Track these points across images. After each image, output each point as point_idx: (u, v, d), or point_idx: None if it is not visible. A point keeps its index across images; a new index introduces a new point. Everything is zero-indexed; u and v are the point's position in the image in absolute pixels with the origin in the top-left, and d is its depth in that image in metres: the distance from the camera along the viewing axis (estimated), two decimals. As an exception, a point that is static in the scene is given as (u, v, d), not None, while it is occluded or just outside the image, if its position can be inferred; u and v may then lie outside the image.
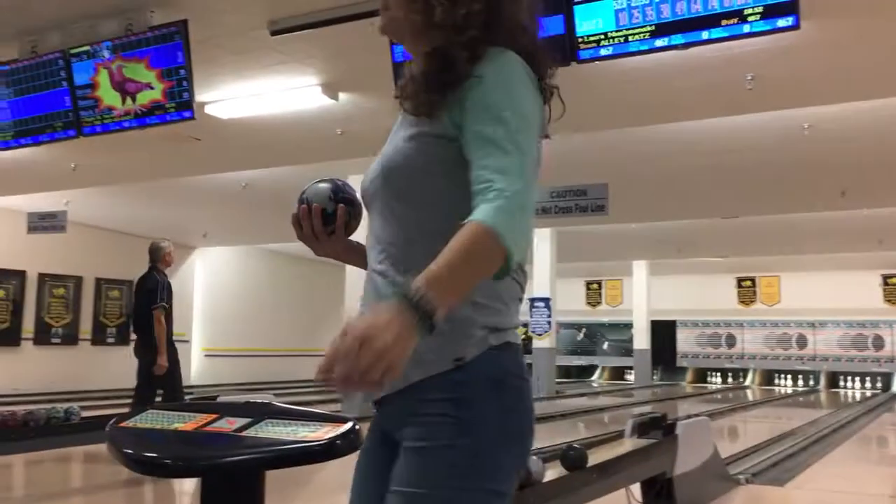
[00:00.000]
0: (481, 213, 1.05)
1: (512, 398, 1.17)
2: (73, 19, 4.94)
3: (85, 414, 5.17)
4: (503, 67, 1.17)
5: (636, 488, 3.80)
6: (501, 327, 1.19)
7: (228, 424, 1.72)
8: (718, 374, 19.34)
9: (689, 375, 19.51)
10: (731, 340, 19.03)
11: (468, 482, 1.10)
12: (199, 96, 5.37)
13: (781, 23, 3.33)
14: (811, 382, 18.11)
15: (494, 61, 1.17)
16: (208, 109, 6.14)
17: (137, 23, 4.78)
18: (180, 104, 4.82)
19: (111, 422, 1.80)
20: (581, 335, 20.73)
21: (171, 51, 4.68)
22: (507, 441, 1.15)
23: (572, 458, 3.10)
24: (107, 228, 13.52)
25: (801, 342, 18.22)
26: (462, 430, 1.11)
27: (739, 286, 18.76)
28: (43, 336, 13.00)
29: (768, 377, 18.67)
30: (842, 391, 17.38)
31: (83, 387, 11.09)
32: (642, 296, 18.30)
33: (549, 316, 14.23)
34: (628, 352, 19.11)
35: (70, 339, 13.09)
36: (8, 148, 5.68)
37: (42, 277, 13.08)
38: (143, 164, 8.36)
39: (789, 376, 18.49)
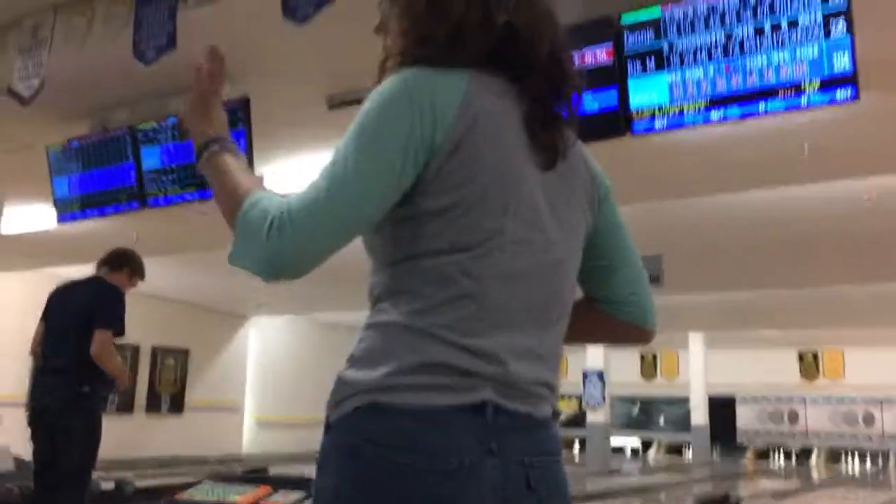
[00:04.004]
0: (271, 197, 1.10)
1: (365, 469, 1.00)
2: (140, 97, 5.15)
3: (139, 484, 5.17)
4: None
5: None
6: (375, 386, 1.03)
7: (283, 498, 1.71)
8: (781, 452, 18.61)
9: (749, 453, 18.81)
10: (793, 417, 18.36)
11: None
12: (258, 168, 5.50)
13: (840, 94, 3.29)
14: (880, 462, 17.31)
15: None
16: (267, 182, 6.28)
17: (201, 100, 4.95)
18: (240, 177, 4.94)
19: (167, 496, 1.79)
20: (636, 409, 20.23)
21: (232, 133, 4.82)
22: None
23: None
24: (163, 297, 13.79)
25: (869, 420, 17.48)
26: (314, 500, 1.04)
27: (801, 360, 18.18)
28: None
29: (834, 456, 17.89)
30: (913, 472, 16.57)
31: (135, 455, 11.15)
32: (699, 369, 17.82)
33: (603, 389, 13.95)
34: (685, 427, 18.54)
35: (125, 407, 13.24)
36: (75, 219, 5.87)
37: (101, 345, 13.33)
38: (203, 235, 8.53)
39: (857, 455, 17.70)
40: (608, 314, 1.27)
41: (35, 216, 7.67)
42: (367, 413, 1.02)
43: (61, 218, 5.89)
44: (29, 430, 4.04)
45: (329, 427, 1.07)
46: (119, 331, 4.17)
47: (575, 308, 1.20)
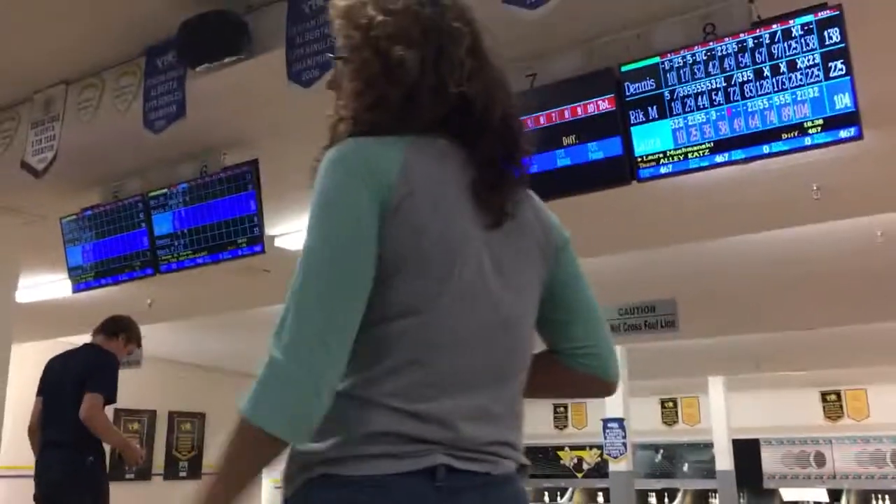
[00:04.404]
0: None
1: None
2: (151, 165, 5.22)
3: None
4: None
5: None
6: (325, 458, 1.03)
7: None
8: (809, 495, 18.18)
9: (777, 498, 18.38)
10: (820, 459, 17.99)
11: None
12: (269, 230, 5.54)
13: (843, 134, 3.30)
14: (913, 503, 16.88)
15: None
16: (278, 242, 6.33)
17: (211, 164, 5.02)
18: (251, 239, 4.97)
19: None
20: (659, 457, 19.88)
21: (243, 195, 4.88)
22: None
23: None
24: (178, 361, 13.79)
25: (897, 459, 17.11)
26: None
27: (824, 400, 17.88)
28: (116, 472, 13.09)
29: (865, 498, 17.46)
30: (948, 511, 16.13)
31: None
32: (721, 413, 17.53)
33: (624, 437, 13.73)
34: (711, 473, 18.17)
35: (143, 474, 13.15)
36: (89, 288, 5.90)
37: (117, 413, 13.30)
38: (216, 298, 8.58)
39: (888, 497, 17.27)
40: (568, 367, 1.24)
41: (50, 286, 7.73)
42: (319, 486, 1.02)
43: (76, 288, 5.92)
44: None
45: (286, 502, 1.06)
46: (110, 397, 4.09)
47: (535, 362, 1.18)
